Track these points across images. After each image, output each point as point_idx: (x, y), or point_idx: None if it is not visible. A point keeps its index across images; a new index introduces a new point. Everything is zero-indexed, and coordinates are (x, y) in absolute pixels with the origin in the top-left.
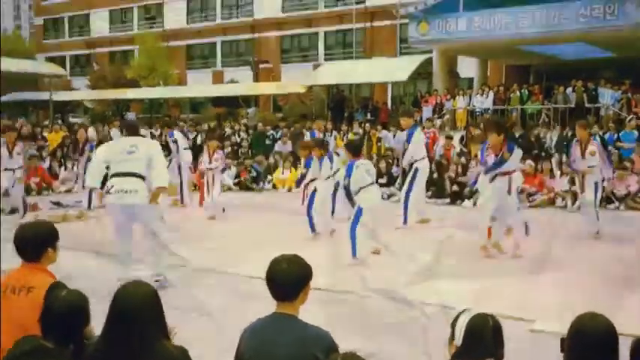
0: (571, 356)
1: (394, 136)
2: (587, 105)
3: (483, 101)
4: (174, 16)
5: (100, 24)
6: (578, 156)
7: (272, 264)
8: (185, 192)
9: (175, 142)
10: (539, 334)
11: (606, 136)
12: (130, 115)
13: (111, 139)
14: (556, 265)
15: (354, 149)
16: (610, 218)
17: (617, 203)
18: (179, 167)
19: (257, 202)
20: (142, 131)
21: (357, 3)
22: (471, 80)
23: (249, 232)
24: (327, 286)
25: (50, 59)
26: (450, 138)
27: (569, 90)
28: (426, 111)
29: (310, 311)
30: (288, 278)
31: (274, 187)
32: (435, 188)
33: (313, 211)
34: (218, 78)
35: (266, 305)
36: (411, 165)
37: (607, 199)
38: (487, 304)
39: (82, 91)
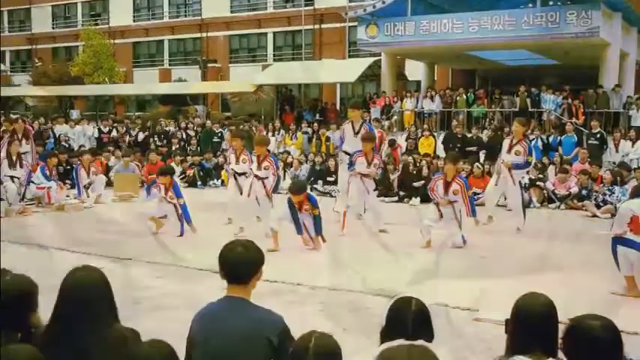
0: (514, 335)
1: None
2: (530, 109)
3: (430, 104)
4: (120, 14)
5: (41, 19)
6: (505, 149)
7: (226, 248)
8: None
9: None
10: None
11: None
12: (74, 113)
13: (54, 135)
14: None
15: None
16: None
17: (557, 203)
18: None
19: (207, 200)
20: (90, 127)
21: (306, 5)
22: (418, 83)
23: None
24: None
25: None
26: (393, 143)
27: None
28: (374, 112)
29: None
30: (244, 261)
31: (222, 183)
32: (382, 187)
33: None
34: (165, 76)
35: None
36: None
37: (549, 199)
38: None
39: (25, 87)
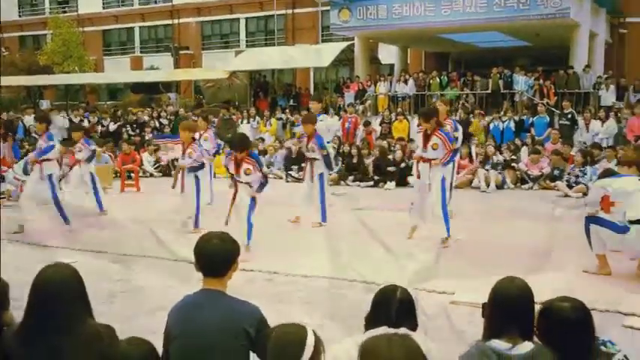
0: (492, 319)
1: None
2: (502, 91)
3: (404, 87)
4: (89, 1)
5: (7, 7)
6: (419, 145)
7: (202, 240)
8: None
9: None
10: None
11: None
12: (44, 103)
13: (23, 126)
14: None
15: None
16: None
17: (530, 183)
18: None
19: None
20: (60, 118)
21: None
22: (392, 66)
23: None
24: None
25: None
26: (368, 124)
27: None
28: (348, 97)
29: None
30: (220, 254)
31: None
32: (357, 172)
33: None
34: (137, 64)
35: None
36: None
37: (522, 180)
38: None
39: None
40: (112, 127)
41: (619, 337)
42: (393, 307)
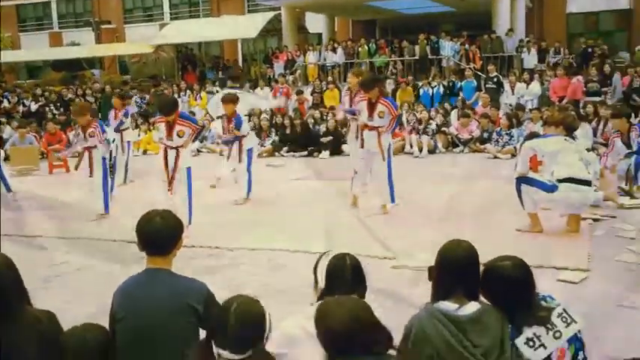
0: (439, 282)
1: None
2: (430, 57)
3: (333, 56)
4: None
5: None
6: (364, 114)
7: (144, 219)
8: None
9: None
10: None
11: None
12: None
13: None
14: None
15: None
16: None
17: (461, 147)
18: None
19: None
20: None
21: None
22: (320, 36)
23: None
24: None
25: None
26: (301, 92)
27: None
28: (278, 67)
29: None
30: (163, 232)
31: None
32: (291, 143)
33: None
34: (56, 40)
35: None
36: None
37: (453, 144)
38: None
39: None
40: (34, 106)
41: (554, 292)
42: (347, 274)
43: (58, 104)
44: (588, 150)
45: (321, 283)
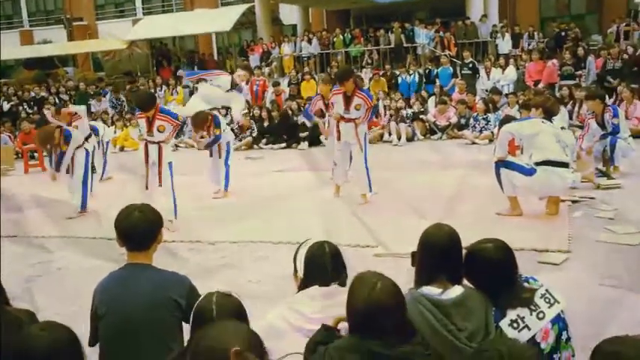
0: (422, 267)
1: None
2: (405, 45)
3: (308, 47)
4: None
5: None
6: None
7: (122, 214)
8: None
9: None
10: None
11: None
12: None
13: None
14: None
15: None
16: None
17: (439, 134)
18: None
19: None
20: None
21: None
22: (294, 27)
23: None
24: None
25: None
26: (277, 84)
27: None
28: (253, 60)
29: None
30: (142, 226)
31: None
32: (270, 135)
33: None
34: (27, 38)
35: None
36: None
37: (431, 131)
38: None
39: None
40: (7, 106)
41: (536, 274)
42: (326, 262)
43: (32, 103)
44: (563, 128)
45: (301, 272)
